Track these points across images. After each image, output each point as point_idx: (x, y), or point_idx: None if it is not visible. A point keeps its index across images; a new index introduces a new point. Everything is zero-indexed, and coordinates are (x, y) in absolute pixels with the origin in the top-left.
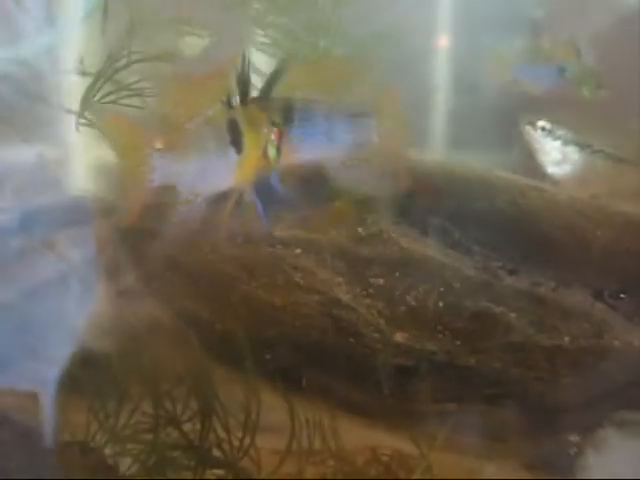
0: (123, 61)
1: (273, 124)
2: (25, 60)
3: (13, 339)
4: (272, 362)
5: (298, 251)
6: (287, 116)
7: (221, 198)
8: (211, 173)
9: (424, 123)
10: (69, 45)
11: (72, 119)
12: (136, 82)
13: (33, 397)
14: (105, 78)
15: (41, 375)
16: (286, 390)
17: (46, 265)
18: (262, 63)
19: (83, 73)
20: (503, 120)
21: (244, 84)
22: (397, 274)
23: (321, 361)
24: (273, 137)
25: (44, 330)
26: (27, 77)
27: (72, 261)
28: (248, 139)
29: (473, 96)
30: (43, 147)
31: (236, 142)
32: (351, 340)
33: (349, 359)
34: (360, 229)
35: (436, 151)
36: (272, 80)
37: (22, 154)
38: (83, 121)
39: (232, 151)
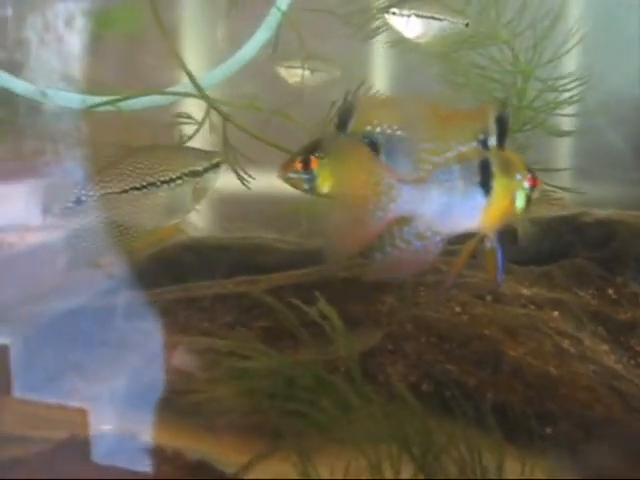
0: None
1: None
2: None
3: (61, 356)
4: (553, 437)
5: (556, 314)
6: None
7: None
8: (454, 212)
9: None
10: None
11: None
12: None
13: (83, 413)
14: None
15: (89, 392)
16: (566, 468)
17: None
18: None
19: (257, 108)
20: None
21: (503, 125)
22: None
23: (608, 438)
24: (526, 185)
25: (92, 347)
26: None
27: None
28: (498, 184)
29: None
30: None
31: (485, 184)
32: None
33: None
34: (610, 290)
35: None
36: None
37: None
38: None
39: (480, 193)
